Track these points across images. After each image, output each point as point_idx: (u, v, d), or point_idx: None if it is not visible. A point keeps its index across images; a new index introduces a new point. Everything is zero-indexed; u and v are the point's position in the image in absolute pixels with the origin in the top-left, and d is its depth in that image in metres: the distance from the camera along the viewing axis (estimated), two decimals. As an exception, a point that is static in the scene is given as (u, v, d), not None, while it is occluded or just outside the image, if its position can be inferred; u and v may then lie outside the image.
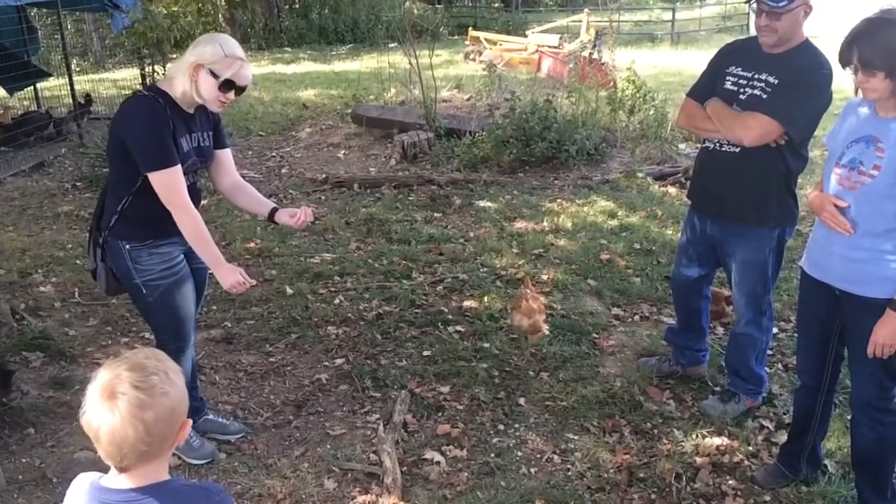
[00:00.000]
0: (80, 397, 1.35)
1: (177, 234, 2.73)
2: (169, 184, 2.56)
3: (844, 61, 2.33)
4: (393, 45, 12.47)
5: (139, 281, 2.71)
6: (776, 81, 2.92)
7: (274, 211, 2.88)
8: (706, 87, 3.17)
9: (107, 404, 1.29)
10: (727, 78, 3.09)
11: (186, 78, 2.58)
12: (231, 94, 2.64)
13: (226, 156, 2.92)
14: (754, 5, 2.91)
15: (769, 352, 3.89)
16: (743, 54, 3.12)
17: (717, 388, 3.53)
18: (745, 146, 2.97)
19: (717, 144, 3.13)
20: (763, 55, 3.00)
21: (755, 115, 2.91)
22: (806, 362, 2.83)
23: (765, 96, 2.94)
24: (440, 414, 3.36)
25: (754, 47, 3.03)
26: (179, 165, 2.58)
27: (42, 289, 4.67)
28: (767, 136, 2.90)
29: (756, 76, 2.99)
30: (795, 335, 3.44)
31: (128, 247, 2.68)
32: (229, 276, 2.67)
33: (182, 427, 1.37)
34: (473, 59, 14.75)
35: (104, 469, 1.35)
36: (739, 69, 3.06)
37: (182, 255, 2.81)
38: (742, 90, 3.02)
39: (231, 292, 2.74)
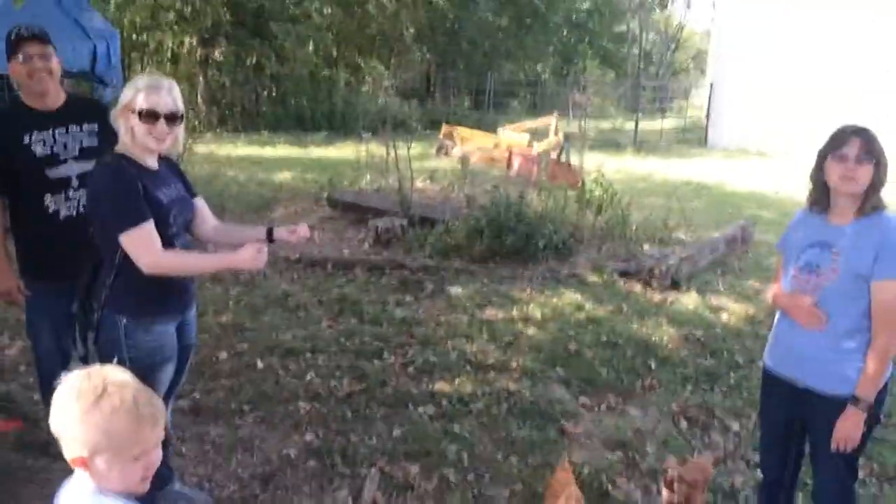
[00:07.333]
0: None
1: (172, 309, 2.72)
2: (142, 242, 2.48)
3: (843, 143, 2.47)
4: (367, 134, 12.82)
5: (125, 356, 2.59)
6: (96, 126, 3.16)
7: (270, 231, 2.91)
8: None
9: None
10: (34, 147, 3.06)
11: (122, 129, 2.57)
12: (161, 125, 2.54)
13: (200, 203, 2.92)
14: None
15: (730, 448, 4.02)
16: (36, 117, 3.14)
17: None
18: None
19: (59, 209, 3.12)
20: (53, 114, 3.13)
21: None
22: (770, 458, 2.90)
23: (97, 142, 3.15)
24: (409, 493, 3.35)
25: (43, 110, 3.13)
26: (151, 221, 2.50)
27: (7, 352, 4.59)
28: None
29: (76, 129, 3.15)
30: (757, 433, 3.53)
31: (124, 321, 2.58)
32: (247, 257, 2.52)
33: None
34: (446, 153, 15.14)
35: None
36: (47, 131, 3.10)
37: (175, 335, 2.76)
38: (63, 150, 3.10)
39: (258, 268, 2.60)
